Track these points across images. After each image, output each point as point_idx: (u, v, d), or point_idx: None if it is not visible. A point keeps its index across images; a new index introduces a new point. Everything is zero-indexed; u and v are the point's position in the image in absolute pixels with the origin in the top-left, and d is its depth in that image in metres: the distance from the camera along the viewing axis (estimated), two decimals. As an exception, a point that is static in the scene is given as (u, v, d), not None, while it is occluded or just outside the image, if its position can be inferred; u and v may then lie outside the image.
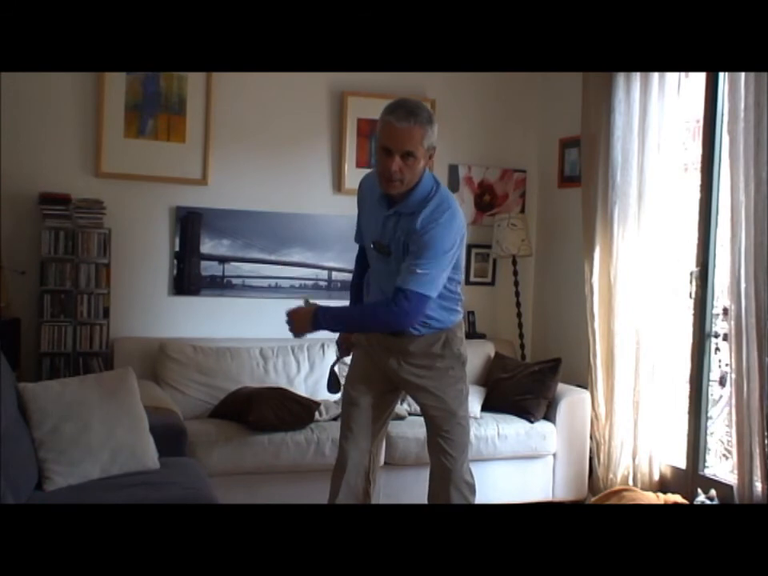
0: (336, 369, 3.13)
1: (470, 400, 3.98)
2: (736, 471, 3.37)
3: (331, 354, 4.04)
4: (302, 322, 2.67)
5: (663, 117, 3.84)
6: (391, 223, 2.70)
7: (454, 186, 4.69)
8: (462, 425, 2.87)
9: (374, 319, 2.70)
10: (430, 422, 2.90)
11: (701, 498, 3.47)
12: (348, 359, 3.14)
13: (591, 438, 4.12)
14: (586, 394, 4.13)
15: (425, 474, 2.99)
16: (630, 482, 3.96)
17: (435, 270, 2.60)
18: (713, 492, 3.44)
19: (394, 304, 2.59)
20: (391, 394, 2.98)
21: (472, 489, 2.90)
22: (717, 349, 3.77)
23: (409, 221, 2.64)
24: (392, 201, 2.70)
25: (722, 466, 3.77)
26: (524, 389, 4.11)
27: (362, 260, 3.04)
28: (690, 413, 3.83)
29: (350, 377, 2.99)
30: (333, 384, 3.10)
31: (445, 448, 2.84)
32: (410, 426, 3.80)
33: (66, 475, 2.70)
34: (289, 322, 2.70)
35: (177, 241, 4.25)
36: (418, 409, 3.13)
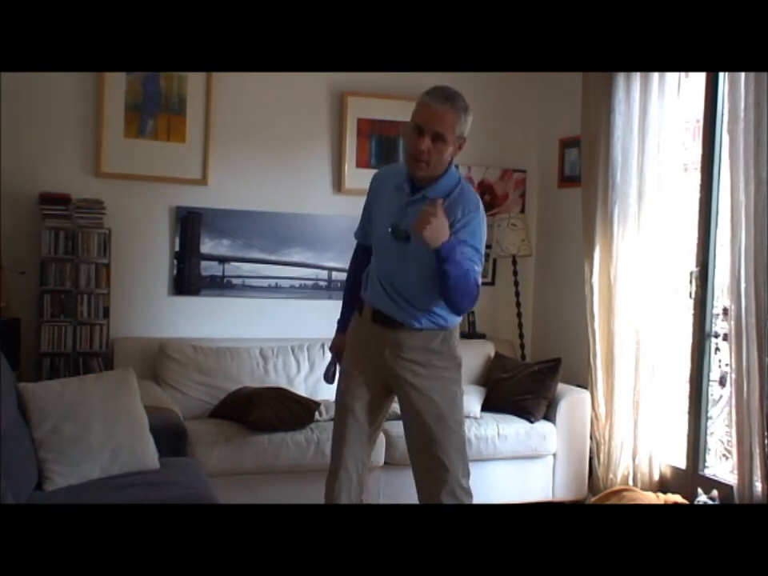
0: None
1: (470, 400, 4.04)
2: (736, 471, 3.37)
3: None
4: (440, 229, 2.48)
5: (663, 117, 3.84)
6: (417, 208, 2.65)
7: (454, 186, 4.69)
8: (453, 429, 2.76)
9: (468, 284, 2.56)
10: (416, 425, 2.78)
11: (702, 498, 3.47)
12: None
13: (591, 438, 4.12)
14: (586, 393, 4.13)
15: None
16: (630, 482, 3.96)
17: (481, 265, 2.67)
18: (714, 492, 3.44)
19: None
20: (386, 397, 2.89)
21: (468, 493, 2.80)
22: (717, 349, 3.76)
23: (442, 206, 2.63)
24: (417, 187, 2.69)
25: (722, 466, 3.77)
26: (524, 389, 4.11)
27: (359, 258, 3.00)
28: (689, 413, 3.83)
29: (344, 380, 2.90)
30: (331, 376, 3.04)
31: (435, 453, 2.74)
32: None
33: (66, 475, 2.70)
34: (420, 225, 2.45)
35: (177, 241, 4.25)
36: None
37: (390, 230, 2.68)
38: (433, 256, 2.53)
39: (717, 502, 3.43)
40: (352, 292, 2.99)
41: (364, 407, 2.84)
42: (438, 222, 2.47)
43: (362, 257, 2.97)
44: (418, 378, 2.76)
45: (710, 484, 3.59)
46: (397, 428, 3.76)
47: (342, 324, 3.03)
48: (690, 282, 3.77)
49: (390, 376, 2.80)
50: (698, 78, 3.77)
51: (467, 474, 2.82)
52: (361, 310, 2.87)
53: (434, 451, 2.75)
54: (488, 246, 4.72)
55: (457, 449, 2.79)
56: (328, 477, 2.89)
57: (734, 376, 3.34)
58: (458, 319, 2.83)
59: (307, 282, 4.47)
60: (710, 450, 3.82)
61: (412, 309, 2.72)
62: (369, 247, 2.92)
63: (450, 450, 2.76)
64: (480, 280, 2.65)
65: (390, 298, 2.75)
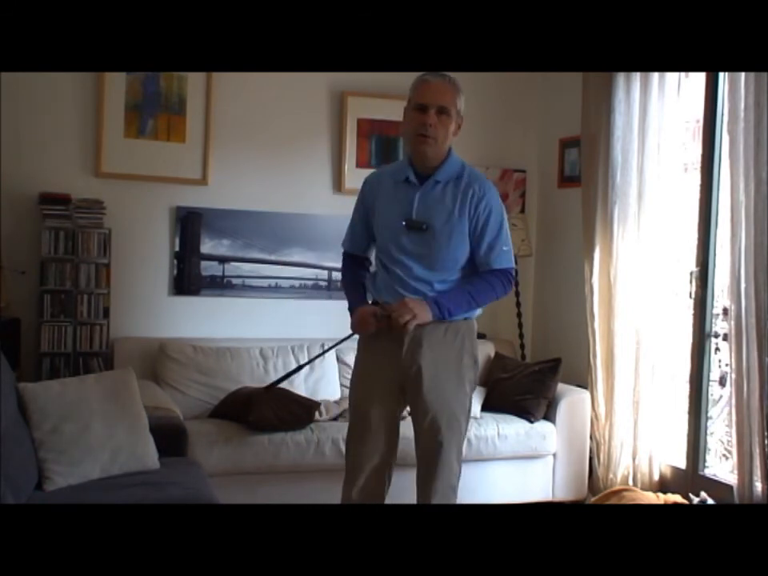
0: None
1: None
2: (736, 471, 3.37)
3: (330, 354, 4.03)
4: (421, 311, 2.60)
5: (663, 117, 3.84)
6: (435, 194, 2.69)
7: (454, 186, 4.69)
8: (459, 431, 2.76)
9: (492, 294, 2.73)
10: (426, 423, 2.76)
11: (694, 502, 3.46)
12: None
13: (591, 438, 4.12)
14: (586, 393, 4.13)
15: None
16: (630, 482, 3.96)
17: (510, 243, 2.80)
18: (704, 494, 3.42)
19: (504, 278, 2.72)
20: (400, 398, 2.84)
21: (456, 495, 2.81)
22: (717, 349, 3.77)
23: (455, 187, 2.69)
24: (422, 176, 2.72)
25: (721, 466, 3.77)
26: (524, 389, 4.10)
27: (351, 269, 2.98)
28: (689, 413, 3.83)
29: (357, 386, 2.86)
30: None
31: (439, 453, 2.74)
32: (410, 426, 3.79)
33: (66, 475, 2.70)
34: (399, 314, 2.59)
35: (177, 241, 4.25)
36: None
37: (403, 223, 2.69)
38: (449, 235, 2.68)
39: (709, 503, 3.41)
40: (355, 281, 2.96)
41: (378, 412, 2.79)
42: (411, 310, 2.61)
43: (353, 266, 2.98)
44: (436, 377, 2.73)
45: (709, 484, 3.59)
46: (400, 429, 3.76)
47: (359, 302, 2.89)
48: (690, 282, 3.77)
49: (406, 374, 2.76)
50: (698, 78, 3.77)
51: (459, 476, 2.83)
52: None
53: (439, 451, 2.75)
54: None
55: (458, 450, 2.80)
56: (349, 486, 2.82)
57: (734, 376, 3.34)
58: (478, 311, 2.83)
59: (307, 282, 4.47)
60: (709, 450, 3.82)
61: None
62: (357, 257, 2.96)
63: (452, 451, 2.76)
64: (511, 259, 2.78)
65: (407, 295, 2.70)
